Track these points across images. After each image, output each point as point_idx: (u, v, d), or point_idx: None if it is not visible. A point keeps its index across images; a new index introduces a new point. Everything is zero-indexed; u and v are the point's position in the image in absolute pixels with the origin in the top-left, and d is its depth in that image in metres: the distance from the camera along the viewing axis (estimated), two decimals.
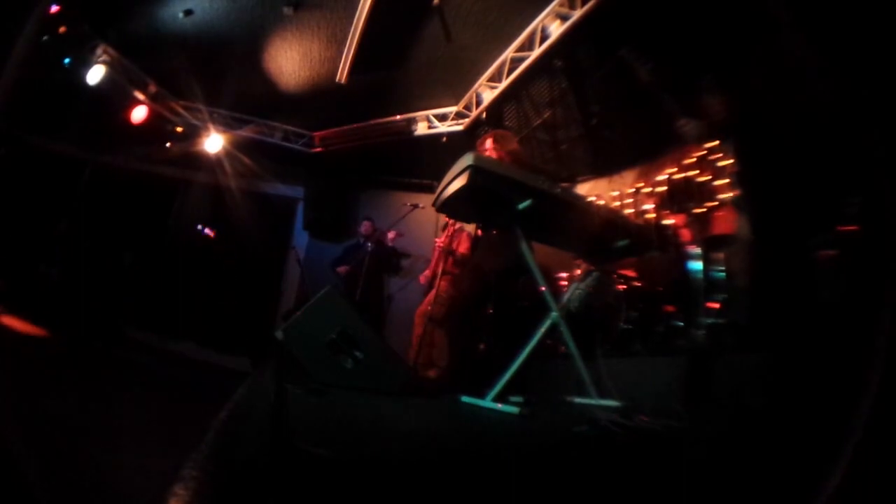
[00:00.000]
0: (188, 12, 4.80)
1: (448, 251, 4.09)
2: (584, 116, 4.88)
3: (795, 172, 2.35)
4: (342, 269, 5.64)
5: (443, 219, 4.28)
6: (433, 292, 3.97)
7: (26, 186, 6.10)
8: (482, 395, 2.24)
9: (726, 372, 2.09)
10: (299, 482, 0.91)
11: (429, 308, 3.90)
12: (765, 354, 1.99)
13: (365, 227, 5.81)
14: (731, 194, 3.10)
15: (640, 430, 1.54)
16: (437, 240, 5.24)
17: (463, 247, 4.19)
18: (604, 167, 5.50)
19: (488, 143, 3.40)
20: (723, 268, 3.01)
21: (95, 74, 5.30)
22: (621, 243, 2.70)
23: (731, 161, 3.01)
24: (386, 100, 6.00)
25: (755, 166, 2.66)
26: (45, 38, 4.53)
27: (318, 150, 6.89)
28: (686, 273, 3.20)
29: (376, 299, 5.59)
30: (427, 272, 4.55)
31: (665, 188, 4.61)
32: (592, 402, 2.25)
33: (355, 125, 6.55)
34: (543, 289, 2.42)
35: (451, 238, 4.15)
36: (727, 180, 3.22)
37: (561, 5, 4.22)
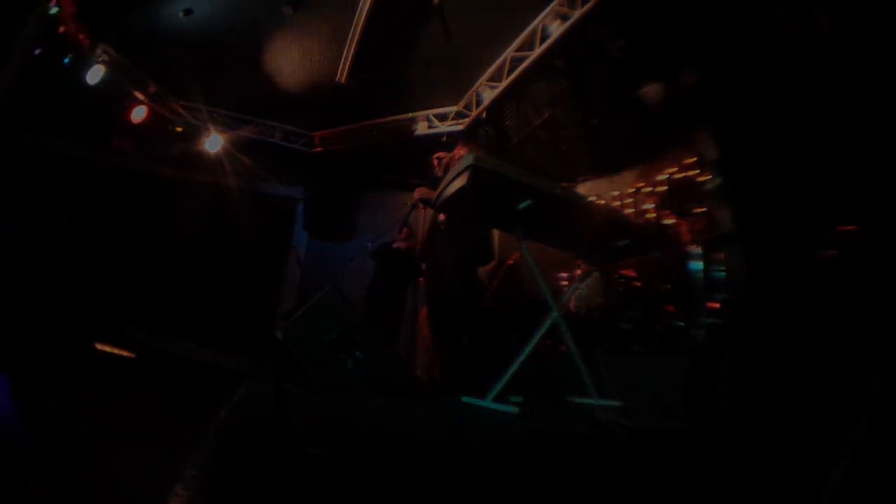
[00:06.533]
0: (188, 12, 4.80)
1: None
2: (584, 116, 4.88)
3: (795, 172, 2.34)
4: (399, 243, 5.09)
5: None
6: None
7: (25, 186, 6.09)
8: (482, 396, 2.24)
9: (726, 372, 2.09)
10: (299, 482, 0.91)
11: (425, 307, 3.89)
12: (764, 355, 1.99)
13: (404, 232, 5.31)
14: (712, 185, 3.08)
15: (640, 431, 1.54)
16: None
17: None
18: (604, 167, 5.50)
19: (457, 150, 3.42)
20: (723, 268, 3.01)
21: (95, 74, 5.30)
22: (622, 243, 2.69)
23: (715, 155, 3.01)
24: (386, 100, 6.01)
25: (749, 164, 2.66)
26: (44, 38, 4.53)
27: (318, 150, 6.89)
28: (686, 273, 3.20)
29: (399, 303, 5.39)
30: None
31: (665, 188, 4.61)
32: (592, 402, 2.25)
33: (355, 125, 6.55)
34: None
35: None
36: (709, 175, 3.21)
37: (561, 5, 4.23)
